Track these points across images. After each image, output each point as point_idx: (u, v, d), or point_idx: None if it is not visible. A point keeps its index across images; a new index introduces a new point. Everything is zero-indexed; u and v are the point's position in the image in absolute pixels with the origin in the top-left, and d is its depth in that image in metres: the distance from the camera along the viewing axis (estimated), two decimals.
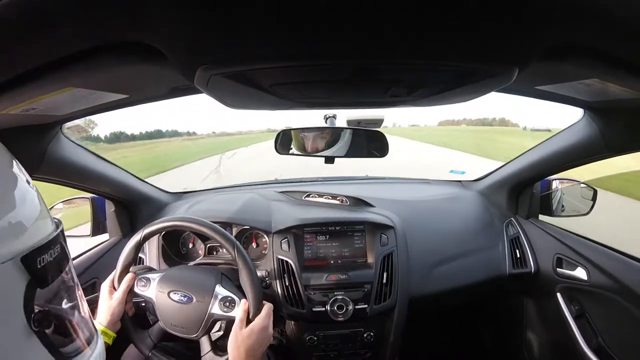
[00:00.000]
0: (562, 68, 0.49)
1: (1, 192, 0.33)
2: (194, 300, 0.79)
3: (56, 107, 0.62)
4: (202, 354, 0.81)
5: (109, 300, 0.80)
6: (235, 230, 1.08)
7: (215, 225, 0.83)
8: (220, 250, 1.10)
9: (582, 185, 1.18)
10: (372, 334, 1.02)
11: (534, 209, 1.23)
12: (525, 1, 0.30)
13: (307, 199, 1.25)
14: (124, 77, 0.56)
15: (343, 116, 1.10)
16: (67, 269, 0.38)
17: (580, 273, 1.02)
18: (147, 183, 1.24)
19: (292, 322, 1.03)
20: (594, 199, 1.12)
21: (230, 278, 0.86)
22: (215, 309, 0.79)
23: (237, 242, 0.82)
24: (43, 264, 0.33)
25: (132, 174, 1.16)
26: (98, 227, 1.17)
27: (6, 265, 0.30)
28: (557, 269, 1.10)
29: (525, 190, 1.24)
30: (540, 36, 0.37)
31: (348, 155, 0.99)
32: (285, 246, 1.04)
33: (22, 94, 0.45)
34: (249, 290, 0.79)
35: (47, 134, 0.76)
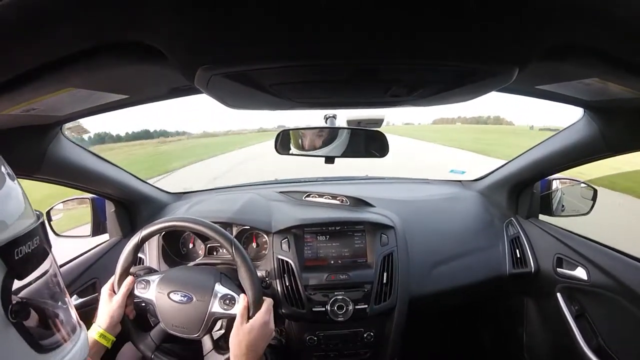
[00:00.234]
0: (562, 68, 0.49)
1: None
2: (194, 299, 0.79)
3: (56, 108, 0.62)
4: (204, 354, 0.81)
5: (109, 304, 0.80)
6: (235, 231, 1.08)
7: (212, 223, 0.83)
8: (221, 250, 1.10)
9: (582, 185, 1.18)
10: (372, 334, 1.02)
11: (534, 209, 1.23)
12: (525, 1, 0.30)
13: (307, 199, 1.25)
14: (124, 77, 0.56)
15: (343, 116, 1.10)
16: (47, 260, 0.38)
17: (580, 273, 1.02)
18: (147, 183, 1.24)
19: (292, 322, 1.03)
20: (594, 198, 1.12)
21: (230, 277, 0.86)
22: (216, 307, 0.79)
23: (235, 240, 0.82)
24: (20, 256, 0.33)
25: (132, 175, 1.16)
26: (98, 228, 1.17)
27: None
28: (557, 268, 1.10)
29: (526, 190, 1.24)
30: (540, 36, 0.37)
31: (346, 155, 0.99)
32: (285, 246, 1.04)
33: (22, 94, 0.45)
34: (248, 287, 0.79)
35: (48, 135, 0.76)
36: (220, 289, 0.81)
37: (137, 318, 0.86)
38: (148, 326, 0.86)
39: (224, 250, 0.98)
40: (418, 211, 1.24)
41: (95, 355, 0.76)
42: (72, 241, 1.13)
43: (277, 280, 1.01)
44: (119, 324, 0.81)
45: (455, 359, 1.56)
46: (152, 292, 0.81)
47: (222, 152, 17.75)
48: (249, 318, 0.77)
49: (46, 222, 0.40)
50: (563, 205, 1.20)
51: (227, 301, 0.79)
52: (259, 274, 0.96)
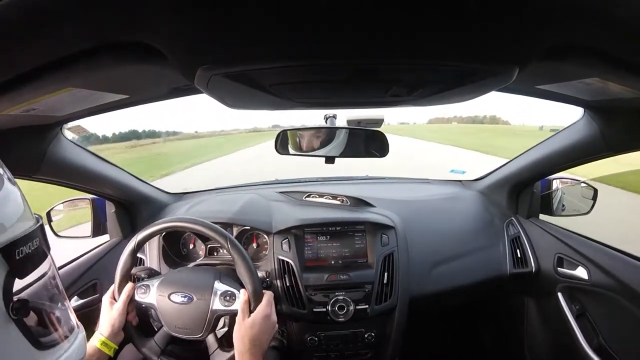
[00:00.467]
0: (562, 67, 0.49)
1: None
2: (195, 299, 0.79)
3: (56, 108, 0.62)
4: (209, 353, 0.81)
5: (110, 312, 0.80)
6: (235, 231, 1.08)
7: (207, 222, 0.83)
8: (221, 250, 1.10)
9: (583, 184, 1.18)
10: (373, 334, 1.02)
11: (535, 209, 1.23)
12: (525, 1, 0.30)
13: (307, 199, 1.25)
14: (124, 78, 0.56)
15: (343, 116, 1.10)
16: (46, 262, 0.39)
17: (581, 272, 1.02)
18: (148, 184, 1.24)
19: (293, 323, 1.03)
20: (594, 198, 1.12)
21: (229, 275, 0.86)
22: (217, 304, 0.79)
23: (230, 236, 0.82)
24: (21, 256, 0.35)
25: (132, 175, 1.16)
26: (98, 228, 1.17)
27: None
28: (558, 268, 1.09)
29: (526, 190, 1.23)
30: (540, 36, 0.37)
31: (346, 155, 0.98)
32: (285, 246, 1.04)
33: (22, 94, 0.45)
34: (247, 281, 0.79)
35: (48, 135, 0.76)
36: (220, 286, 0.81)
37: (140, 324, 0.86)
38: (152, 331, 0.86)
39: (225, 250, 0.98)
40: (418, 211, 1.24)
41: None
42: (73, 242, 1.14)
43: (278, 281, 1.01)
44: (122, 331, 0.80)
45: (455, 359, 1.56)
46: (152, 296, 0.81)
47: (201, 160, 13.48)
48: (250, 312, 0.77)
49: (46, 222, 0.41)
50: (563, 205, 1.20)
51: (228, 297, 0.80)
52: (260, 274, 0.96)
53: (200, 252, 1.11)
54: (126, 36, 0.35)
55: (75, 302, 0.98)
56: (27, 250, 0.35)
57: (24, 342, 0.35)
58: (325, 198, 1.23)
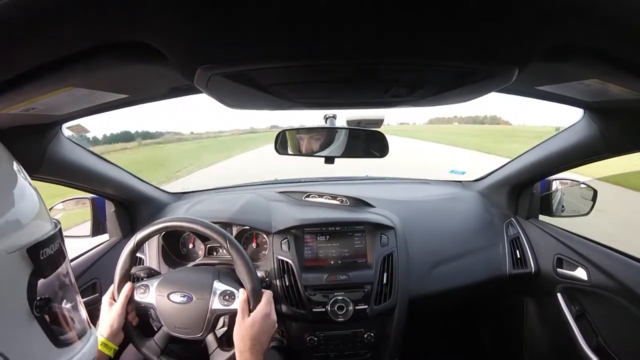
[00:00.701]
0: (562, 68, 0.49)
1: (2, 191, 0.35)
2: (194, 298, 0.79)
3: (56, 107, 0.62)
4: (209, 353, 0.81)
5: (109, 313, 0.80)
6: (235, 231, 1.08)
7: (205, 221, 0.83)
8: (220, 250, 1.10)
9: (582, 185, 1.18)
10: (372, 334, 1.02)
11: (534, 209, 1.23)
12: (525, 1, 0.30)
13: (307, 199, 1.25)
14: (124, 77, 0.56)
15: (343, 116, 1.10)
16: (65, 264, 0.41)
17: (580, 273, 1.02)
18: (147, 183, 1.24)
19: (293, 323, 1.03)
20: (594, 199, 1.12)
21: (229, 275, 0.86)
22: (216, 304, 0.79)
23: (229, 234, 0.82)
24: (45, 256, 0.36)
25: (132, 174, 1.16)
26: (98, 228, 1.17)
27: (14, 255, 0.33)
28: (558, 269, 1.10)
29: (525, 191, 1.24)
30: (540, 36, 0.37)
31: (346, 155, 0.98)
32: (285, 246, 1.04)
33: (22, 93, 0.45)
34: (246, 280, 0.79)
35: (47, 134, 0.76)
36: (219, 286, 0.81)
37: (140, 324, 0.85)
38: (151, 331, 0.85)
39: (224, 250, 0.98)
40: (418, 211, 1.24)
41: None
42: (72, 241, 1.14)
43: (277, 281, 1.01)
44: (122, 332, 0.80)
45: (455, 359, 1.56)
46: (152, 295, 0.81)
47: (176, 175, 10.28)
48: (250, 311, 0.77)
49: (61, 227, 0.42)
50: (563, 206, 1.20)
51: (227, 297, 0.80)
52: (259, 274, 0.96)
53: (200, 252, 1.11)
54: (126, 36, 0.35)
55: None
56: (50, 252, 0.37)
57: (44, 339, 0.36)
58: (325, 198, 1.23)
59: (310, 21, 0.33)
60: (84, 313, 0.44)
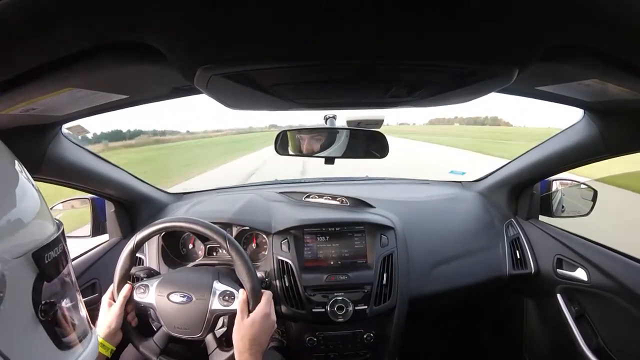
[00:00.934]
0: (562, 68, 0.49)
1: (4, 191, 0.35)
2: (194, 299, 0.79)
3: (56, 108, 0.62)
4: (208, 353, 0.81)
5: (108, 313, 0.80)
6: (235, 231, 1.08)
7: (205, 221, 0.83)
8: (220, 250, 1.10)
9: (583, 186, 1.18)
10: (372, 334, 1.02)
11: (534, 210, 1.23)
12: (525, 1, 0.30)
13: (307, 199, 1.25)
14: (124, 78, 0.56)
15: (343, 117, 1.10)
16: (67, 266, 0.40)
17: (580, 274, 1.02)
18: (147, 184, 1.24)
19: (292, 323, 1.03)
20: (594, 199, 1.12)
21: (228, 275, 0.86)
22: (215, 304, 0.79)
23: (228, 235, 0.82)
24: (49, 260, 0.36)
25: (132, 175, 1.16)
26: (98, 228, 1.17)
27: (19, 260, 0.33)
28: (557, 269, 1.09)
29: (525, 191, 1.23)
30: (540, 36, 0.37)
31: (346, 155, 0.98)
32: (285, 247, 1.04)
33: (22, 94, 0.45)
34: (245, 280, 0.79)
35: (47, 135, 0.76)
36: (219, 286, 0.81)
37: (139, 324, 0.85)
38: (151, 331, 0.85)
39: (224, 250, 0.98)
40: (418, 212, 1.24)
41: None
42: (72, 241, 1.13)
43: (277, 281, 1.01)
44: (120, 332, 0.80)
45: (455, 359, 1.56)
46: (151, 295, 0.81)
47: None
48: (249, 312, 0.77)
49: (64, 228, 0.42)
50: (563, 206, 1.20)
51: (227, 297, 0.80)
52: (259, 274, 0.96)
53: (200, 252, 1.11)
54: (126, 36, 0.35)
55: None
56: (54, 255, 0.37)
57: (49, 343, 0.36)
58: (325, 198, 1.23)
59: (310, 21, 0.33)
60: (85, 314, 0.44)
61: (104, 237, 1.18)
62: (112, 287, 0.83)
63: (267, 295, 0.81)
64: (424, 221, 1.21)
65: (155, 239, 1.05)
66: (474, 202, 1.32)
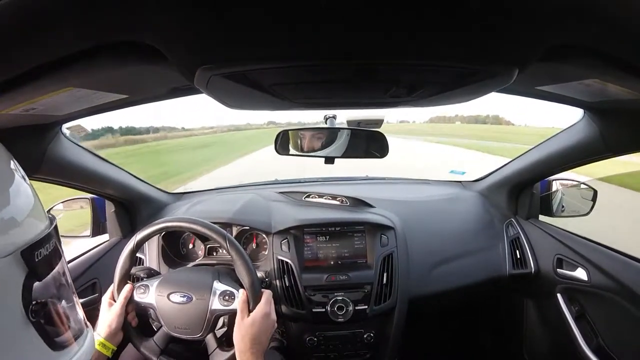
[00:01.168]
0: (562, 68, 0.49)
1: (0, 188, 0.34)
2: (194, 299, 0.79)
3: (56, 107, 0.62)
4: (209, 353, 0.81)
5: (108, 313, 0.80)
6: (235, 231, 1.08)
7: (205, 221, 0.83)
8: (220, 250, 1.10)
9: (583, 185, 1.18)
10: (372, 334, 1.02)
11: (534, 210, 1.23)
12: (525, 1, 0.30)
13: (307, 199, 1.25)
14: (124, 77, 0.56)
15: (343, 116, 1.10)
16: (60, 263, 0.39)
17: (580, 274, 1.02)
18: (147, 183, 1.24)
19: (292, 323, 1.03)
20: (594, 199, 1.12)
21: (228, 275, 0.86)
22: (216, 304, 0.79)
23: (228, 234, 0.82)
24: (40, 258, 0.35)
25: (132, 174, 1.16)
26: (98, 228, 1.17)
27: (7, 259, 0.32)
28: (558, 269, 1.09)
29: (525, 191, 1.24)
30: (540, 36, 0.37)
31: (345, 155, 0.98)
32: (285, 247, 1.04)
33: (22, 94, 0.45)
34: (245, 280, 0.79)
35: (47, 134, 0.76)
36: (219, 286, 0.81)
37: (139, 324, 0.85)
38: (151, 332, 0.86)
39: (224, 250, 0.98)
40: (418, 212, 1.24)
41: None
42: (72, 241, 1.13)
43: (277, 281, 1.01)
44: (120, 332, 0.80)
45: (455, 359, 1.56)
46: (151, 295, 0.81)
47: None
48: (249, 312, 0.77)
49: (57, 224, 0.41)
50: (563, 206, 1.20)
51: (227, 297, 0.80)
52: (259, 274, 0.96)
53: (200, 252, 1.11)
54: (126, 36, 0.35)
55: None
56: (45, 252, 0.36)
57: (41, 344, 0.35)
58: (325, 198, 1.23)
59: (310, 21, 0.33)
60: (80, 312, 0.43)
61: (104, 237, 1.18)
62: (113, 287, 0.83)
63: (267, 295, 0.81)
64: (424, 221, 1.21)
65: (155, 238, 1.05)
66: (474, 202, 1.32)
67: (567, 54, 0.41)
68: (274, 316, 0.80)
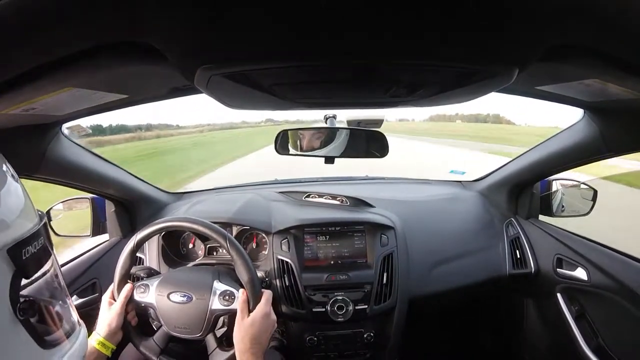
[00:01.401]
0: (562, 68, 0.49)
1: None
2: (194, 298, 0.79)
3: (56, 107, 0.62)
4: (208, 352, 0.81)
5: (108, 312, 0.80)
6: (235, 231, 1.08)
7: (205, 221, 0.83)
8: (220, 250, 1.10)
9: (583, 185, 1.18)
10: (372, 334, 1.02)
11: (534, 209, 1.23)
12: (525, 2, 0.30)
13: (307, 199, 1.25)
14: (124, 77, 0.57)
15: (343, 116, 1.10)
16: (50, 261, 0.39)
17: (580, 273, 1.02)
18: (147, 183, 1.24)
19: (292, 323, 1.03)
20: (594, 199, 1.12)
21: (228, 275, 0.86)
22: (216, 304, 0.79)
23: (229, 234, 0.82)
24: (27, 256, 0.34)
25: (132, 174, 1.16)
26: (98, 228, 1.17)
27: None
28: (557, 269, 1.10)
29: (525, 191, 1.23)
30: (540, 36, 0.37)
31: (345, 155, 0.98)
32: (285, 247, 1.04)
33: (22, 94, 0.45)
34: (245, 280, 0.79)
35: (47, 134, 0.76)
36: (219, 286, 0.81)
37: (139, 324, 0.86)
38: (151, 331, 0.86)
39: (224, 250, 0.98)
40: (418, 211, 1.24)
41: None
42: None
43: (277, 281, 1.01)
44: (120, 331, 0.80)
45: (455, 359, 1.56)
46: (151, 295, 0.81)
47: None
48: (249, 311, 0.77)
49: (47, 222, 0.41)
50: (563, 206, 1.20)
51: (227, 297, 0.80)
52: (259, 274, 0.97)
53: (200, 252, 1.11)
54: (126, 36, 0.35)
55: (74, 301, 0.97)
56: (33, 250, 0.35)
57: (30, 342, 0.35)
58: (325, 198, 1.23)
59: (310, 21, 0.33)
60: (72, 310, 0.43)
61: (104, 237, 1.18)
62: (113, 287, 0.83)
63: (267, 294, 0.81)
64: (424, 221, 1.21)
65: (155, 238, 1.05)
66: (474, 202, 1.32)
67: (567, 54, 0.41)
68: (273, 316, 0.80)
